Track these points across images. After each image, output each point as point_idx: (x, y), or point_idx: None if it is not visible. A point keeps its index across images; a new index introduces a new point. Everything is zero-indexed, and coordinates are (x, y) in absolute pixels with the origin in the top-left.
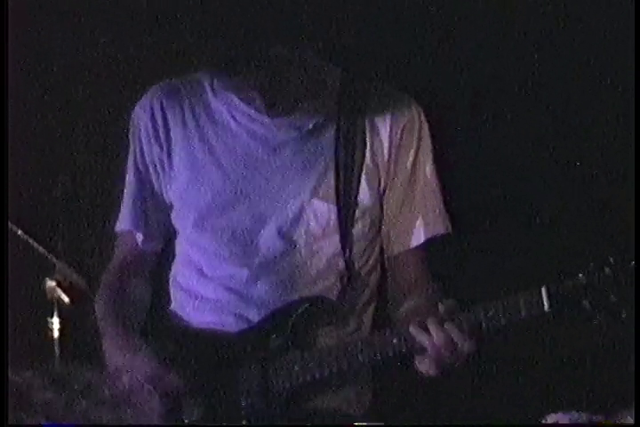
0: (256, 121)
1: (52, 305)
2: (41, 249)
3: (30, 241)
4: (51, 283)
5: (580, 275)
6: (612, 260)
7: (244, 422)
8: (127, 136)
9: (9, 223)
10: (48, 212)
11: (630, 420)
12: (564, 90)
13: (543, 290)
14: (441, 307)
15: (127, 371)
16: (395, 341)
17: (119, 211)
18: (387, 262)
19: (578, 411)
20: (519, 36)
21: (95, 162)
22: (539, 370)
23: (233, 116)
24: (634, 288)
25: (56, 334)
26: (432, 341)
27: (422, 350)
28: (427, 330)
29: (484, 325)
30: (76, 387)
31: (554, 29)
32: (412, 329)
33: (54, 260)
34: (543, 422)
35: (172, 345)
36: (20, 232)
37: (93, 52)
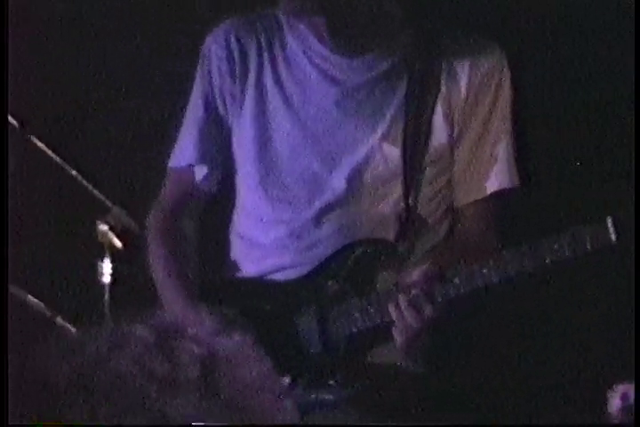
0: (330, 62)
1: (102, 250)
2: (95, 191)
3: (85, 183)
4: (103, 227)
5: None
6: None
7: (305, 374)
8: (183, 72)
9: (69, 167)
10: (105, 154)
11: None
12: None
13: (609, 220)
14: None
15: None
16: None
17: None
18: (455, 213)
19: None
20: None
21: (151, 100)
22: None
23: (308, 56)
24: None
25: (107, 279)
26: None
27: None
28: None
29: (546, 259)
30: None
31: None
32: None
33: (109, 203)
34: (610, 392)
35: (230, 299)
36: (74, 173)
37: None
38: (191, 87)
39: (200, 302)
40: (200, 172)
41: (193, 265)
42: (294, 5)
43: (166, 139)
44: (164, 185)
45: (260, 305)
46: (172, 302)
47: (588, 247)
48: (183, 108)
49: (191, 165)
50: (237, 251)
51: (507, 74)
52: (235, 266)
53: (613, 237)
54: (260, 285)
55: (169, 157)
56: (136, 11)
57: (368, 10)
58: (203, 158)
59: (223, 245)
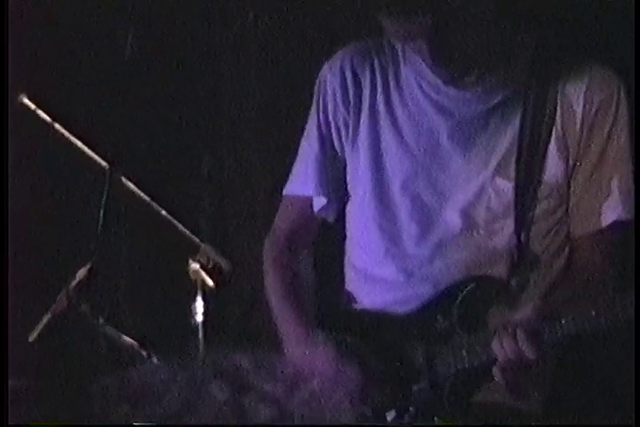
0: (443, 93)
1: (195, 288)
2: (185, 231)
3: (174, 222)
4: (194, 265)
5: None
6: None
7: (410, 409)
8: (273, 114)
9: (153, 203)
10: (193, 192)
11: None
12: None
13: None
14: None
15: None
16: None
17: (264, 191)
18: (571, 245)
19: None
20: None
21: (242, 141)
22: None
23: (420, 86)
24: None
25: (200, 318)
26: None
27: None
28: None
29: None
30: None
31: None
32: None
33: (198, 241)
34: None
35: (343, 331)
36: (163, 213)
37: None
38: (299, 119)
39: (317, 330)
40: (319, 203)
41: (309, 296)
42: (398, 29)
43: (254, 177)
44: (278, 212)
45: (369, 338)
46: (289, 334)
47: None
48: (275, 144)
49: (309, 197)
50: (351, 282)
51: (624, 103)
52: (350, 297)
53: None
54: (371, 317)
55: (256, 194)
56: (251, 42)
57: (476, 39)
58: (321, 189)
59: (340, 275)
